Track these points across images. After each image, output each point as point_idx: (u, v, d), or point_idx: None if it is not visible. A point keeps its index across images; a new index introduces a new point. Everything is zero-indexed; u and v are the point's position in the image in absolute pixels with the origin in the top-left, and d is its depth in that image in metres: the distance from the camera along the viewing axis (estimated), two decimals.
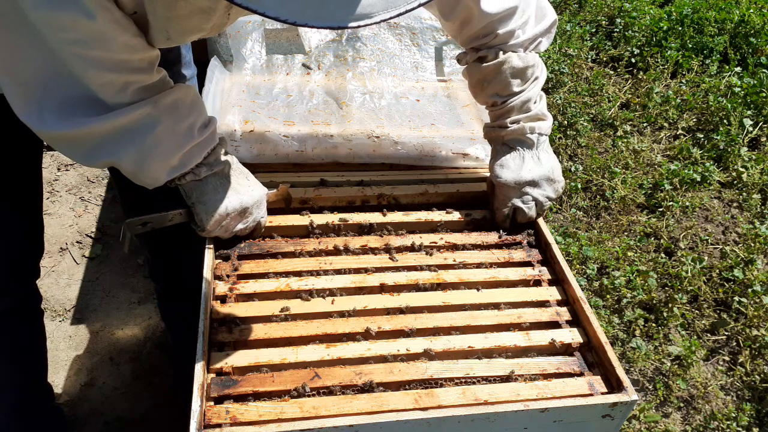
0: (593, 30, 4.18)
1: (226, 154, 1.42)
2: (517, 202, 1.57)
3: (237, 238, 1.50)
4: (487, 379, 1.27)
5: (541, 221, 1.60)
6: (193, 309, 1.33)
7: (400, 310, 1.38)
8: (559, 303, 1.44)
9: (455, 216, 1.64)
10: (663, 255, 2.77)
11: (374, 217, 1.60)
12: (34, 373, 1.93)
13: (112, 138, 1.21)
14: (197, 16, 1.21)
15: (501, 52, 1.51)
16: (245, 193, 1.42)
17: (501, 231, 1.61)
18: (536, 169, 1.56)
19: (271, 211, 1.55)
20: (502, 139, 1.59)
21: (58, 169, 3.25)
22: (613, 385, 1.26)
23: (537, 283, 1.49)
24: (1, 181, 1.53)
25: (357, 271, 1.46)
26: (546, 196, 1.59)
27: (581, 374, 1.30)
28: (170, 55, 1.72)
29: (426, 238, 1.56)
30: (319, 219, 1.58)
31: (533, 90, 1.56)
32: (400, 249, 1.53)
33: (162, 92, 1.25)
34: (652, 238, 2.86)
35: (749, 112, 3.43)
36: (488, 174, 1.70)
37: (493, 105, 1.59)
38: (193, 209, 1.38)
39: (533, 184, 1.57)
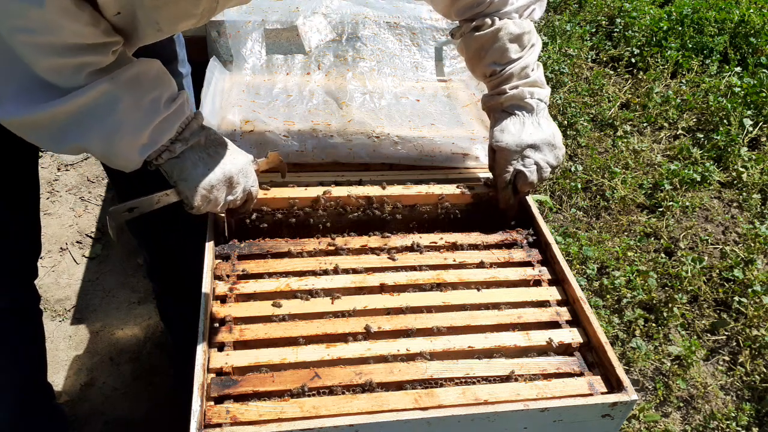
0: (593, 30, 4.18)
1: (202, 128, 1.36)
2: (518, 165, 1.55)
3: (235, 213, 1.47)
4: (487, 379, 1.27)
5: (541, 221, 1.60)
6: (192, 309, 1.33)
7: (400, 310, 1.38)
8: (559, 303, 1.44)
9: (455, 190, 1.63)
10: (663, 255, 2.77)
11: (374, 191, 1.60)
12: (34, 372, 1.93)
13: (75, 120, 1.17)
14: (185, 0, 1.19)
15: (497, 19, 1.52)
16: (228, 162, 1.37)
17: (507, 218, 1.61)
18: (537, 133, 1.55)
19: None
20: (501, 106, 1.58)
21: (58, 169, 3.25)
22: (613, 384, 1.26)
23: (537, 283, 1.49)
24: (1, 180, 1.53)
25: (357, 271, 1.46)
26: (547, 162, 1.56)
27: (581, 374, 1.30)
28: (165, 53, 1.71)
29: (426, 238, 1.56)
30: (323, 191, 1.58)
31: (530, 57, 1.56)
32: (400, 249, 1.53)
33: (121, 68, 1.20)
34: (652, 238, 2.86)
35: (749, 112, 3.43)
36: (488, 174, 1.70)
37: (492, 74, 1.58)
38: (177, 188, 1.33)
39: (534, 147, 1.55)
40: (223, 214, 1.48)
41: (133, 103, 1.21)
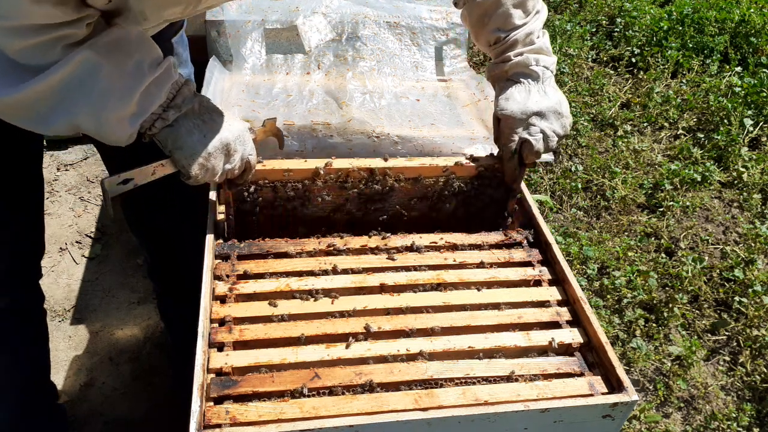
0: (593, 30, 4.18)
1: (195, 94, 1.32)
2: (524, 134, 1.51)
3: (233, 184, 1.45)
4: (488, 380, 1.27)
5: (541, 221, 1.59)
6: (192, 309, 1.33)
7: (400, 310, 1.38)
8: (560, 303, 1.44)
9: (462, 159, 1.60)
10: (663, 255, 2.77)
11: (376, 163, 1.57)
12: (35, 373, 1.93)
13: (59, 95, 1.14)
14: None
15: None
16: (224, 129, 1.33)
17: (512, 189, 1.59)
18: (543, 100, 1.51)
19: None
20: (506, 75, 1.55)
21: (58, 169, 3.25)
22: (614, 385, 1.25)
23: (537, 283, 1.49)
24: (1, 180, 1.53)
25: (357, 271, 1.45)
26: (553, 130, 1.51)
27: (581, 374, 1.29)
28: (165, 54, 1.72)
29: (426, 238, 1.56)
30: (324, 163, 1.55)
31: (536, 23, 1.53)
32: (400, 249, 1.52)
33: (98, 35, 1.15)
34: (653, 238, 2.86)
35: (750, 112, 3.43)
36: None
37: (496, 42, 1.55)
38: (173, 157, 1.29)
39: (540, 115, 1.50)
40: (222, 193, 1.43)
41: (116, 69, 1.16)
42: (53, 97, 1.14)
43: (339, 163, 1.55)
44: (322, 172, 1.54)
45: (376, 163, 1.57)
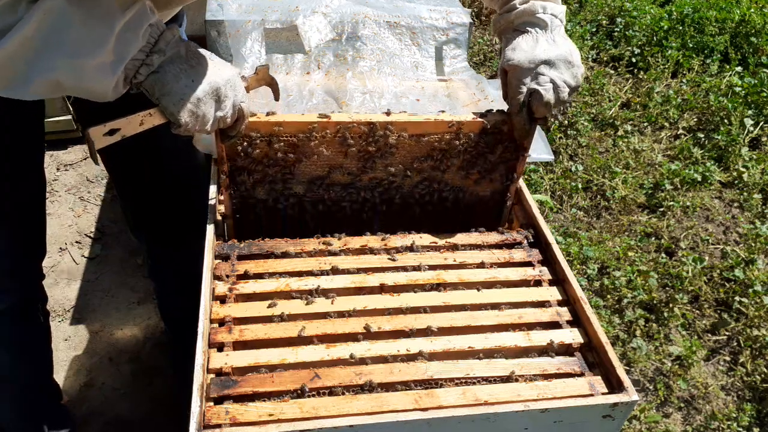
0: (594, 29, 4.18)
1: (180, 40, 1.25)
2: (532, 84, 1.42)
3: (225, 136, 1.39)
4: (488, 380, 1.27)
5: (541, 221, 1.59)
6: (192, 309, 1.33)
7: (400, 310, 1.37)
8: (560, 303, 1.44)
9: (469, 116, 1.52)
10: (664, 255, 2.77)
11: (377, 117, 1.50)
12: (39, 373, 1.93)
13: (33, 51, 1.09)
14: None
15: None
16: (213, 74, 1.26)
17: (520, 136, 1.52)
18: (552, 49, 1.42)
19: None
20: (512, 25, 1.46)
21: (58, 169, 3.25)
22: (614, 385, 1.25)
23: (537, 283, 1.48)
24: (3, 180, 1.52)
25: (357, 271, 1.45)
26: (564, 80, 1.42)
27: (582, 374, 1.29)
28: None
29: (426, 238, 1.56)
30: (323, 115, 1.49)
31: None
32: (400, 249, 1.52)
33: None
34: (653, 238, 2.86)
35: (750, 112, 3.43)
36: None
37: None
38: (161, 105, 1.23)
39: (549, 64, 1.41)
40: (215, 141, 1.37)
41: (86, 15, 1.11)
42: (27, 53, 1.10)
43: (338, 117, 1.48)
44: (317, 126, 1.45)
45: (377, 117, 1.50)
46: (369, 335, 1.31)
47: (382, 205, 1.62)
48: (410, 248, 1.53)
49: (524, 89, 1.43)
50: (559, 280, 1.49)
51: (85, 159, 3.29)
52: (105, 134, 1.23)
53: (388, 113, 1.53)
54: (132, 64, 1.19)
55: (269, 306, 1.35)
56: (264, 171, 1.51)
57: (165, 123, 1.28)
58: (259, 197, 1.56)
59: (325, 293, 1.39)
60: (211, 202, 1.55)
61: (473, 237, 1.58)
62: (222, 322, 1.31)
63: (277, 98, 1.54)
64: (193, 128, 1.28)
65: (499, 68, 1.50)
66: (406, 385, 1.23)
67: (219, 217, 1.53)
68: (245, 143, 1.44)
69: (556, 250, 1.51)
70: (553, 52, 1.42)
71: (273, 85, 1.51)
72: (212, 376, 1.22)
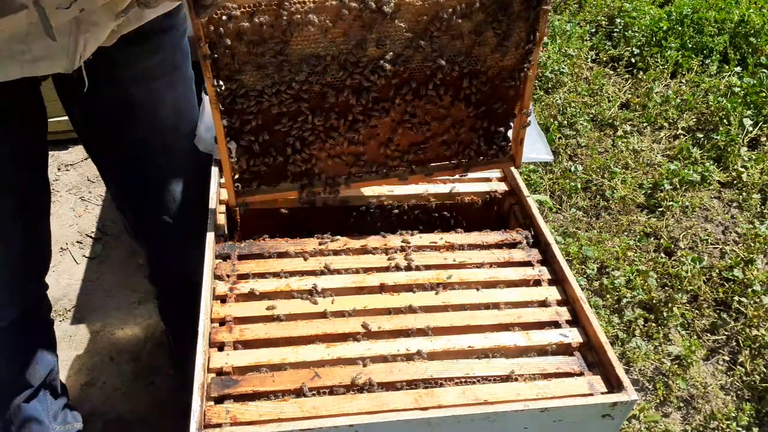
0: (593, 30, 4.18)
1: None
2: None
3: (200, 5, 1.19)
4: (487, 379, 1.27)
5: (541, 221, 1.60)
6: (192, 310, 1.33)
7: (400, 310, 1.38)
8: (559, 303, 1.44)
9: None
10: (663, 255, 2.77)
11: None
12: (46, 379, 1.92)
13: None
14: None
15: None
16: None
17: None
18: None
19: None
20: None
21: (59, 169, 3.25)
22: (613, 384, 1.26)
23: (537, 282, 1.49)
24: (6, 189, 1.52)
25: (357, 271, 1.46)
26: None
27: (581, 374, 1.30)
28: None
29: (426, 238, 1.56)
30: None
31: None
32: (400, 249, 1.53)
33: None
34: (652, 238, 2.86)
35: (749, 112, 3.43)
36: (487, 174, 1.70)
37: None
38: None
39: None
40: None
41: None
42: None
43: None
44: None
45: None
46: (369, 335, 1.32)
47: (390, 91, 1.44)
48: (410, 248, 1.53)
49: None
50: (558, 279, 1.49)
51: (85, 159, 3.30)
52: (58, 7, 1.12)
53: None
54: None
55: (269, 306, 1.35)
56: (251, 52, 1.32)
57: None
58: (249, 86, 1.36)
59: (325, 293, 1.40)
60: (212, 202, 1.55)
61: (473, 237, 1.59)
62: (222, 322, 1.32)
63: None
64: None
65: None
66: (406, 385, 1.24)
67: (220, 220, 1.53)
68: (224, 17, 1.27)
69: (556, 250, 1.52)
70: None
71: None
72: (213, 375, 1.22)
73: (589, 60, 3.92)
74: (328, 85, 1.41)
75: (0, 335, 1.71)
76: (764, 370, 2.35)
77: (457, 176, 1.72)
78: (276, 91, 1.39)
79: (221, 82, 1.35)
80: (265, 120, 1.43)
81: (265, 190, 1.53)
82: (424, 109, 1.51)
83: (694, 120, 3.49)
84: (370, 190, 1.68)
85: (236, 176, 1.50)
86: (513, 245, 1.58)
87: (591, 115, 3.51)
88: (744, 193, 3.07)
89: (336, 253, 1.50)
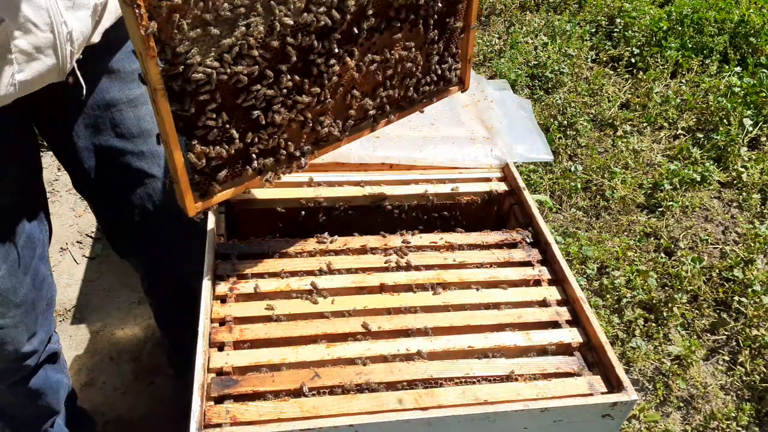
0: (593, 30, 4.18)
1: None
2: None
3: None
4: (487, 379, 1.27)
5: (541, 221, 1.60)
6: (191, 321, 1.32)
7: (400, 310, 1.38)
8: (559, 303, 1.44)
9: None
10: (663, 255, 2.77)
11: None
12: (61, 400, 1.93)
13: None
14: None
15: None
16: None
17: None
18: None
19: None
20: None
21: (59, 169, 3.25)
22: (613, 384, 1.26)
23: (537, 282, 1.49)
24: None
25: (357, 271, 1.46)
26: None
27: (581, 374, 1.30)
28: None
29: (425, 238, 1.56)
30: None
31: None
32: (400, 249, 1.53)
33: None
34: (652, 238, 2.86)
35: (749, 112, 3.43)
36: (487, 174, 1.69)
37: None
38: None
39: None
40: None
41: None
42: None
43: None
44: None
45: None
46: (369, 335, 1.32)
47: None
48: (410, 248, 1.53)
49: None
50: (558, 279, 1.49)
51: None
52: None
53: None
54: None
55: (269, 306, 1.35)
56: (203, 9, 1.08)
57: None
58: (203, 57, 1.13)
59: (325, 293, 1.40)
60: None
61: (473, 237, 1.59)
62: (222, 322, 1.32)
63: None
64: None
65: None
66: (406, 385, 1.24)
67: (220, 220, 1.53)
68: None
69: (556, 250, 1.52)
70: None
71: None
72: (213, 375, 1.22)
73: (589, 60, 3.92)
74: (289, 35, 1.21)
75: (28, 374, 1.71)
76: (764, 370, 2.35)
77: (452, 169, 1.72)
78: (236, 54, 1.17)
79: (166, 64, 1.10)
80: (224, 97, 1.21)
81: (228, 185, 1.33)
82: (385, 42, 1.42)
83: (694, 120, 3.49)
84: (370, 190, 1.68)
85: (195, 177, 1.27)
86: (513, 245, 1.58)
87: (591, 115, 3.51)
88: (744, 193, 3.07)
89: (336, 253, 1.50)
